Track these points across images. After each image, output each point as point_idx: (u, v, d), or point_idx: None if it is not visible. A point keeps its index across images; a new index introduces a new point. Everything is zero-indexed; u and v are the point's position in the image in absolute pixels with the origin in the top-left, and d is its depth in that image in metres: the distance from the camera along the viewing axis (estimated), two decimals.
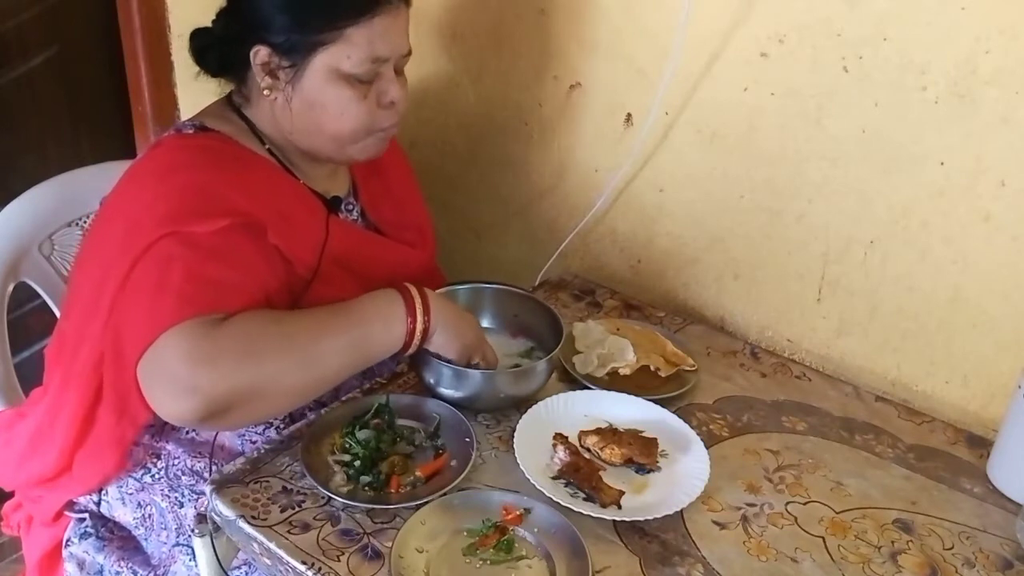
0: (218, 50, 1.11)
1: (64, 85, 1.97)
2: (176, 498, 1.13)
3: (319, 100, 1.07)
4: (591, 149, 1.47)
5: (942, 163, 1.16)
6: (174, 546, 1.14)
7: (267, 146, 1.13)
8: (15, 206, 1.35)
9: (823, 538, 0.98)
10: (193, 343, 0.92)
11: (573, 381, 1.19)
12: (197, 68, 1.14)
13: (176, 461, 1.13)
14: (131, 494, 1.16)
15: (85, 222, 1.41)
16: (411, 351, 1.05)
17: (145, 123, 2.08)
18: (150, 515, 1.16)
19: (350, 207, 1.24)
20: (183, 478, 1.13)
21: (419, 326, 1.03)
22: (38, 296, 1.38)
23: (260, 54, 1.06)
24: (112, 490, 1.17)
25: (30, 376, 1.35)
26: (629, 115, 1.40)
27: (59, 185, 1.40)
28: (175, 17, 1.98)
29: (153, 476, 1.14)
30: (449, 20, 1.53)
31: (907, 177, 1.19)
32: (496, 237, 1.63)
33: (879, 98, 1.17)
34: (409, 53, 1.12)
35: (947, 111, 1.13)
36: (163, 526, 1.15)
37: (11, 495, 1.28)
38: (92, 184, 1.43)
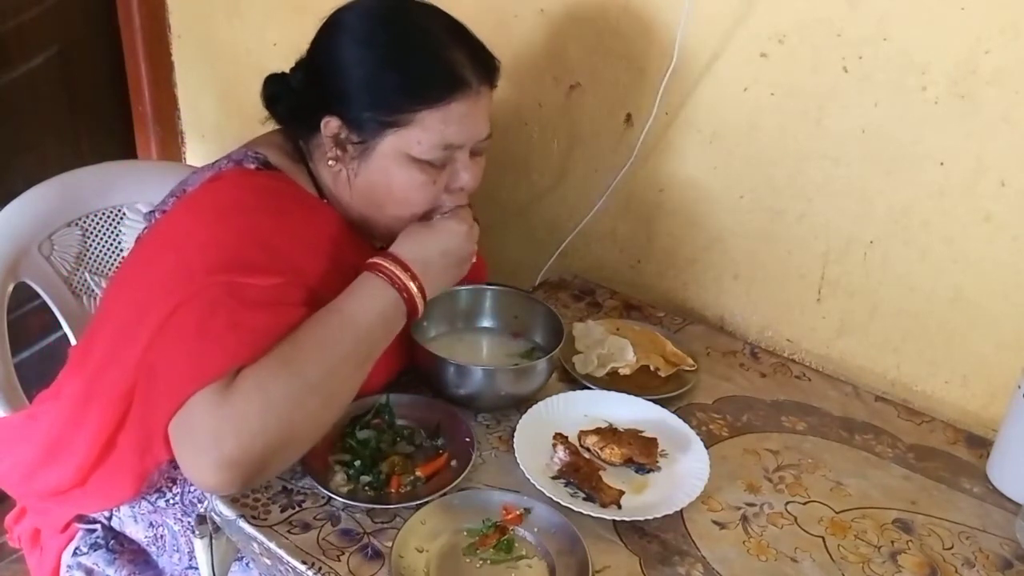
0: (290, 103, 1.08)
1: (64, 85, 1.97)
2: (189, 523, 1.10)
3: (383, 181, 1.03)
4: (591, 149, 1.47)
5: (942, 163, 1.16)
6: (187, 568, 1.13)
7: (325, 200, 1.09)
8: (15, 206, 1.35)
9: (823, 538, 0.98)
10: (215, 411, 0.87)
11: (573, 381, 1.19)
12: (266, 113, 1.10)
13: (192, 487, 1.10)
14: (143, 515, 1.14)
15: (85, 222, 1.41)
16: (421, 311, 1.02)
17: (145, 123, 2.08)
18: (162, 536, 1.14)
19: None
20: (198, 505, 1.10)
21: (418, 302, 1.00)
22: (38, 296, 1.38)
23: (331, 125, 1.02)
24: (124, 508, 1.15)
25: (30, 376, 1.35)
26: (629, 115, 1.40)
27: (59, 185, 1.40)
28: (175, 17, 1.98)
29: (168, 501, 1.11)
30: None
31: (907, 177, 1.19)
32: (496, 237, 1.63)
33: (879, 98, 1.17)
34: (489, 136, 1.08)
35: (947, 111, 1.13)
36: (175, 548, 1.14)
37: (12, 505, 1.27)
38: (92, 184, 1.43)
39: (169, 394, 0.90)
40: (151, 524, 1.15)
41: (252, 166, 1.05)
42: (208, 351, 0.90)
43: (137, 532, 1.16)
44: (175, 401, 0.89)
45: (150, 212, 1.12)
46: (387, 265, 1.00)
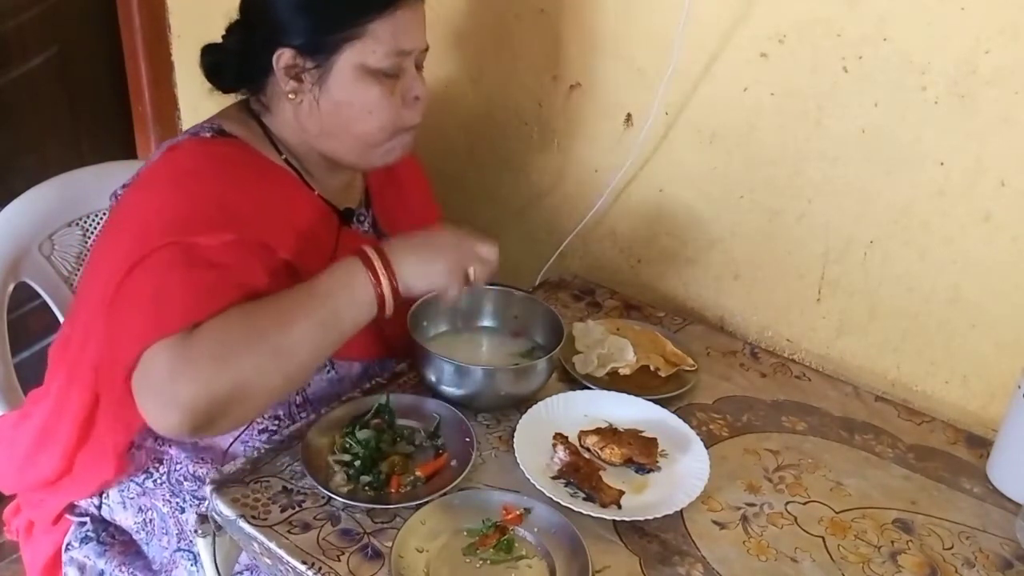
0: (234, 63, 1.09)
1: (64, 85, 1.97)
2: (177, 503, 1.13)
3: (346, 98, 1.06)
4: (591, 149, 1.47)
5: (942, 163, 1.16)
6: (175, 551, 1.14)
7: (284, 155, 1.12)
8: (15, 206, 1.35)
9: (823, 538, 0.98)
10: (172, 356, 0.90)
11: (573, 381, 1.19)
12: (209, 85, 1.12)
13: (178, 466, 1.13)
14: (132, 498, 1.16)
15: (85, 222, 1.41)
16: (390, 311, 1.00)
17: (145, 123, 2.08)
18: (151, 520, 1.16)
19: (362, 218, 1.22)
20: (185, 483, 1.12)
21: (386, 288, 0.98)
22: (38, 296, 1.38)
23: (284, 57, 1.04)
24: (113, 494, 1.17)
25: (30, 376, 1.34)
26: (629, 115, 1.40)
27: (59, 185, 1.40)
28: (175, 17, 1.98)
29: (155, 481, 1.14)
30: (449, 20, 1.53)
31: (907, 177, 1.19)
32: (496, 237, 1.63)
33: (879, 98, 1.17)
34: (427, 49, 1.12)
35: (947, 111, 1.13)
36: (164, 531, 1.15)
37: (11, 498, 1.27)
38: (92, 184, 1.43)
39: (127, 350, 0.92)
40: (140, 509, 1.16)
41: (207, 135, 1.09)
42: (163, 309, 0.93)
43: (127, 519, 1.17)
44: (132, 356, 0.92)
45: (112, 194, 1.14)
46: (370, 253, 0.99)
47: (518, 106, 1.52)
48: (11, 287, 1.33)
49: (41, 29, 1.89)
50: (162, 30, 1.99)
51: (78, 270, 1.41)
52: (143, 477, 1.14)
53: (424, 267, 1.01)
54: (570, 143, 1.49)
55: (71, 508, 1.19)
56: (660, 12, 1.30)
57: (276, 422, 1.13)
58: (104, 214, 1.43)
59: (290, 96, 1.07)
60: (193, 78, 2.05)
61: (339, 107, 1.06)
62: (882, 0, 1.13)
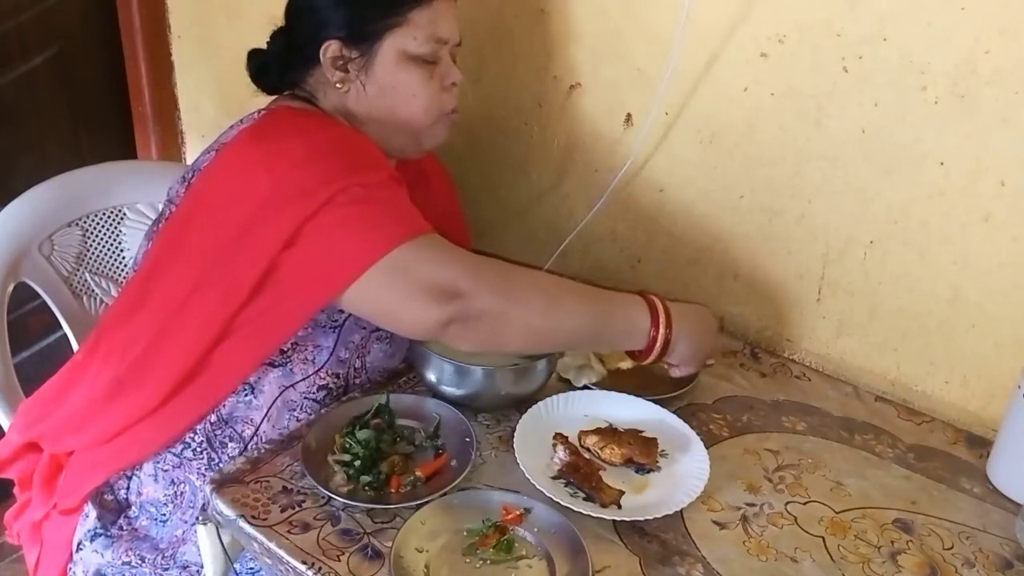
0: (279, 62, 1.15)
1: (64, 85, 1.97)
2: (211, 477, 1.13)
3: (390, 83, 1.11)
4: (591, 149, 1.47)
5: (942, 163, 1.16)
6: (194, 524, 1.13)
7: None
8: (15, 206, 1.35)
9: (823, 538, 0.98)
10: (452, 252, 0.99)
11: None
12: (254, 87, 1.18)
13: (220, 433, 1.13)
14: (167, 471, 1.15)
15: (85, 222, 1.41)
16: (651, 359, 1.09)
17: (145, 123, 2.08)
18: (182, 493, 1.15)
19: None
20: (229, 445, 1.13)
21: (660, 338, 1.07)
22: (38, 296, 1.38)
23: (331, 48, 1.10)
24: (147, 467, 1.16)
25: (30, 376, 1.35)
26: (629, 115, 1.40)
27: (59, 185, 1.40)
28: (175, 17, 1.98)
29: (194, 451, 1.14)
30: None
31: (907, 177, 1.19)
32: (496, 237, 1.63)
33: (879, 98, 1.17)
34: (460, 43, 1.17)
35: (947, 111, 1.13)
36: (191, 504, 1.15)
37: (11, 501, 1.27)
38: (92, 184, 1.43)
39: (345, 266, 0.98)
40: (172, 481, 1.16)
41: (295, 104, 1.14)
42: (381, 228, 0.99)
43: (156, 491, 1.16)
44: (355, 270, 0.97)
45: (177, 183, 1.15)
46: (655, 301, 1.09)
47: (518, 106, 1.52)
48: (11, 287, 1.34)
49: (41, 29, 1.89)
50: (162, 30, 1.99)
51: (78, 270, 1.41)
52: (181, 448, 1.14)
53: (695, 343, 1.11)
54: (570, 143, 1.49)
55: (96, 490, 1.18)
56: (660, 12, 1.30)
57: (336, 379, 1.16)
58: (103, 214, 1.44)
59: (337, 85, 1.12)
60: (193, 78, 2.05)
61: (384, 91, 1.12)
62: (882, 0, 1.13)
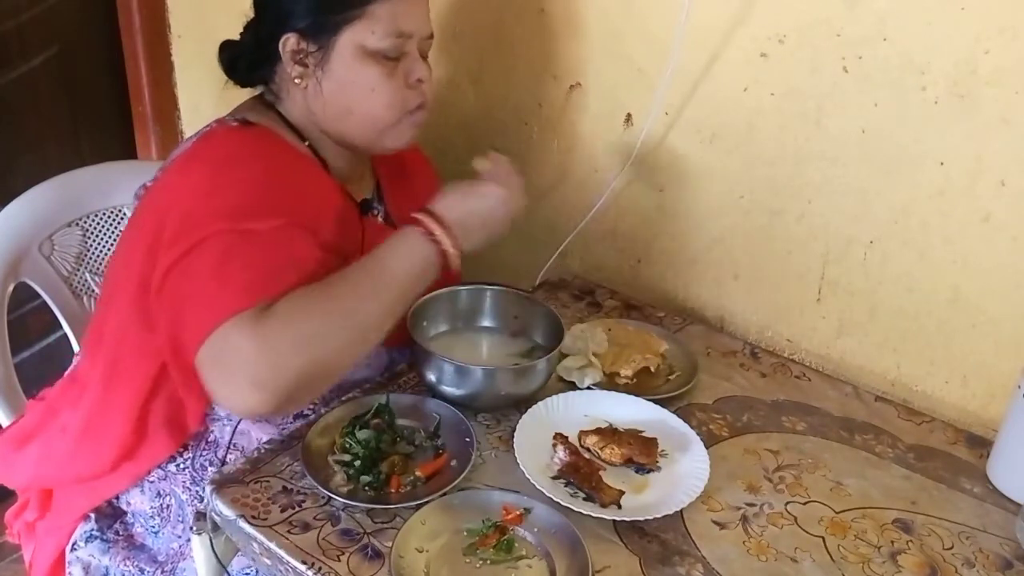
0: (248, 55, 1.13)
1: (64, 85, 1.97)
2: (197, 492, 1.13)
3: (348, 78, 1.08)
4: (591, 149, 1.47)
5: (942, 163, 1.16)
6: (187, 541, 1.13)
7: (306, 142, 1.14)
8: (15, 206, 1.35)
9: (823, 538, 0.98)
10: (250, 336, 0.91)
11: (573, 381, 1.19)
12: (226, 79, 1.16)
13: (203, 452, 1.13)
14: (152, 483, 1.15)
15: (85, 222, 1.41)
16: (455, 266, 1.05)
17: (145, 123, 2.08)
18: (168, 506, 1.16)
19: (376, 211, 1.24)
20: (209, 469, 1.13)
21: (452, 256, 1.03)
22: (38, 296, 1.38)
23: (289, 42, 1.08)
24: None
25: (30, 376, 1.35)
26: (629, 115, 1.40)
27: (59, 185, 1.40)
28: (175, 17, 1.98)
29: (178, 466, 1.14)
30: (449, 19, 1.53)
31: (907, 177, 1.19)
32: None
33: (879, 98, 1.17)
34: (431, 36, 1.14)
35: (947, 111, 1.13)
36: (180, 519, 1.15)
37: (12, 500, 1.27)
38: (92, 184, 1.43)
39: (194, 331, 0.93)
40: (158, 493, 1.16)
41: (234, 124, 1.11)
42: (228, 289, 0.94)
43: (143, 503, 1.17)
44: (199, 337, 0.92)
45: (137, 191, 1.16)
46: (426, 221, 1.03)
47: (518, 106, 1.52)
48: (11, 287, 1.34)
49: (41, 29, 1.89)
50: (162, 30, 1.99)
51: (78, 270, 1.41)
52: (167, 461, 1.14)
53: (483, 230, 1.06)
54: (570, 143, 1.49)
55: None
56: (660, 12, 1.30)
57: (312, 404, 1.15)
58: (103, 214, 1.44)
59: (296, 81, 1.10)
60: (193, 78, 2.05)
61: (342, 87, 1.09)
62: (882, 0, 1.13)
